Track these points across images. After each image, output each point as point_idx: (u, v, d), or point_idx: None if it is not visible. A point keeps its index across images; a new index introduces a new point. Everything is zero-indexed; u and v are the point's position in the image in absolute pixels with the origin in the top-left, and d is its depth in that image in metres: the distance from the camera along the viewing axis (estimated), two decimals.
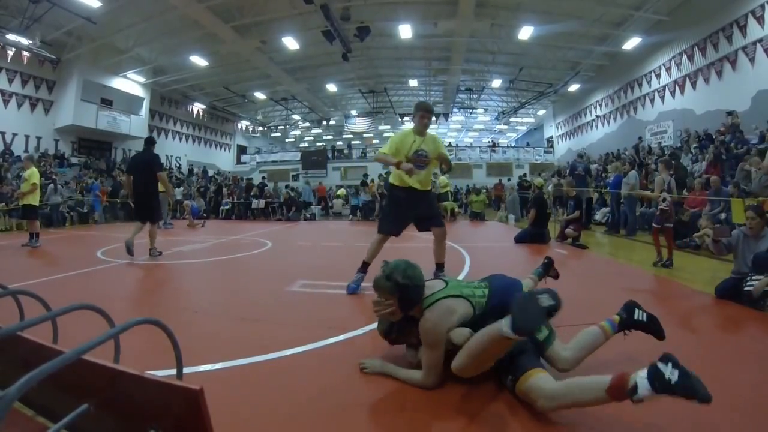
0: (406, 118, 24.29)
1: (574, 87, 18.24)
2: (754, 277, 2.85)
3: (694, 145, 10.72)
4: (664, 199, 4.70)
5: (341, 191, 16.84)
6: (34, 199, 6.79)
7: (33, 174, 6.71)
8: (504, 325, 1.41)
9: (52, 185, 11.24)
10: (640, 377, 1.23)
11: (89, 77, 14.67)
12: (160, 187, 5.68)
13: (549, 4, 12.05)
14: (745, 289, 2.85)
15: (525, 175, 18.62)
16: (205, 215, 13.80)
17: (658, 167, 6.24)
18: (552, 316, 1.45)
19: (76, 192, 12.72)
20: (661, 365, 1.21)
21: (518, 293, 1.40)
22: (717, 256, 4.17)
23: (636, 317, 1.90)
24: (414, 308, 1.78)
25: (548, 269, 2.78)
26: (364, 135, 28.24)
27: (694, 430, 1.42)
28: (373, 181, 13.70)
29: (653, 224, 4.80)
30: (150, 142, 5.72)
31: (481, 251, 5.52)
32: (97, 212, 12.64)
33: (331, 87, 19.95)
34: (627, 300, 1.98)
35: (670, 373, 1.19)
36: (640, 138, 14.01)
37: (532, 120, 26.28)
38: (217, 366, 1.92)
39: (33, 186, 6.66)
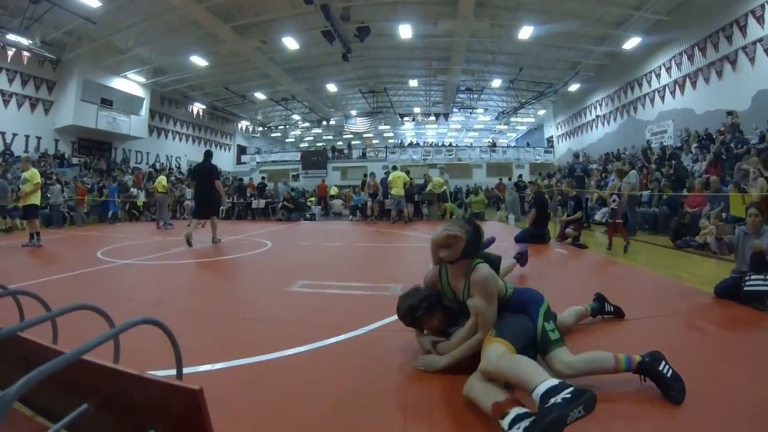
0: (406, 118, 24.31)
1: (574, 87, 18.24)
2: (753, 277, 2.84)
3: (695, 145, 10.72)
4: (614, 200, 5.80)
5: (333, 190, 16.79)
6: (36, 199, 6.90)
7: (35, 175, 6.84)
8: (535, 393, 1.34)
9: (58, 186, 11.28)
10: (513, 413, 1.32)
11: (89, 77, 14.67)
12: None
13: (549, 4, 12.05)
14: (745, 288, 2.84)
15: (521, 175, 18.66)
16: None
17: (613, 174, 7.17)
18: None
19: (76, 192, 12.72)
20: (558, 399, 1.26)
21: (556, 407, 1.26)
22: (718, 256, 4.16)
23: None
24: (468, 257, 1.92)
25: (602, 306, 2.61)
26: (364, 135, 28.25)
27: (693, 430, 1.42)
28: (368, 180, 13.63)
29: (608, 220, 6.06)
30: (209, 155, 7.08)
31: None
32: (112, 211, 13.00)
33: (331, 87, 19.95)
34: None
35: (561, 396, 1.26)
36: (648, 141, 13.78)
37: (532, 120, 26.28)
38: (217, 366, 1.92)
39: (36, 186, 6.79)
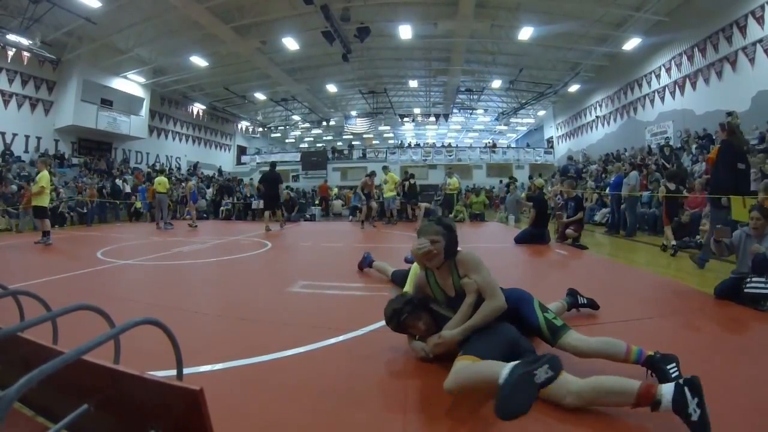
0: (406, 119, 24.32)
1: (574, 88, 18.25)
2: (754, 279, 2.83)
3: (694, 145, 10.72)
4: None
5: (335, 190, 16.76)
6: (44, 201, 7.02)
7: (43, 177, 6.93)
8: (502, 376, 1.38)
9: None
10: (666, 398, 1.31)
11: (89, 77, 14.67)
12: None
13: (549, 5, 12.06)
14: (746, 290, 2.83)
15: (512, 178, 18.80)
16: (205, 215, 13.82)
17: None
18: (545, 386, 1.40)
19: (76, 192, 12.71)
20: (688, 395, 1.28)
21: (517, 369, 1.34)
22: (718, 257, 4.16)
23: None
24: (450, 257, 2.01)
25: (576, 299, 2.70)
26: (364, 136, 28.24)
27: None
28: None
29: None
30: (274, 165, 10.10)
31: (481, 252, 5.53)
32: (145, 211, 13.84)
33: (331, 88, 19.96)
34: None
35: (693, 408, 1.27)
36: (666, 139, 13.14)
37: (532, 121, 26.29)
38: (217, 366, 1.91)
39: (41, 188, 6.88)
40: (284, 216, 13.17)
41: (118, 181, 14.26)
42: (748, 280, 2.85)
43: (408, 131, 30.61)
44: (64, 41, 13.46)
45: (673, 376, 1.61)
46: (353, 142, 27.64)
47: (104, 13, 11.53)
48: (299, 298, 3.29)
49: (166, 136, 20.62)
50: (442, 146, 24.47)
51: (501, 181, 19.16)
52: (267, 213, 9.45)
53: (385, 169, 11.87)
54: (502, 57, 16.42)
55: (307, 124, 26.48)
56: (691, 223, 6.58)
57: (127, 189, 14.44)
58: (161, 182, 10.57)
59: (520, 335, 1.81)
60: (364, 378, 1.83)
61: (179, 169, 20.88)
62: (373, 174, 11.48)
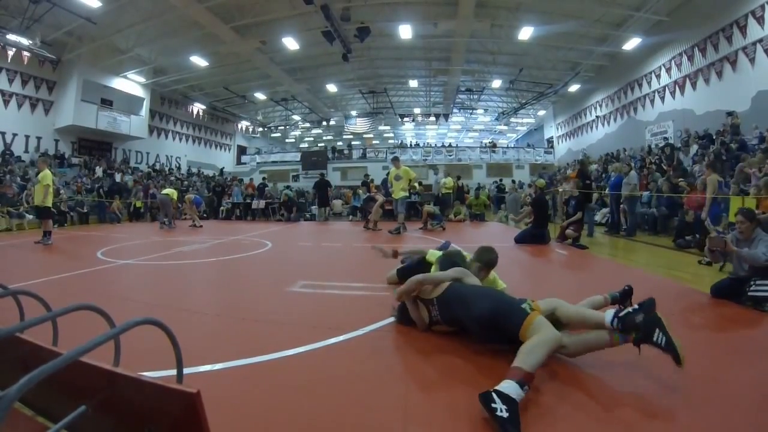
0: (406, 119, 24.30)
1: (574, 87, 18.25)
2: (758, 282, 2.82)
3: (694, 145, 10.72)
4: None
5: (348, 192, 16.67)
6: (47, 200, 6.96)
7: (46, 176, 6.91)
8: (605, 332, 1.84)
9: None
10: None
11: (89, 77, 14.67)
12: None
13: (549, 5, 12.05)
14: (750, 293, 2.83)
15: (501, 179, 18.85)
16: (205, 215, 13.79)
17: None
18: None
19: (76, 192, 12.71)
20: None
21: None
22: (713, 263, 4.17)
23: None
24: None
25: (627, 298, 2.48)
26: (365, 135, 28.23)
27: (693, 430, 1.42)
28: (372, 181, 13.66)
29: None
30: (323, 174, 13.51)
31: None
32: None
33: (332, 87, 19.95)
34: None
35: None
36: (682, 137, 12.27)
37: (532, 120, 26.28)
38: (217, 366, 1.92)
39: (45, 188, 6.84)
40: (288, 217, 13.31)
41: (117, 176, 14.26)
42: (752, 282, 2.85)
43: (408, 131, 30.60)
44: (64, 41, 13.45)
45: (663, 344, 1.69)
46: (353, 142, 27.62)
47: (104, 13, 11.52)
48: (299, 298, 3.29)
49: (166, 136, 20.61)
50: (442, 146, 24.46)
51: (494, 182, 19.23)
52: (320, 209, 12.78)
53: (395, 160, 9.37)
54: (502, 57, 16.41)
55: (307, 124, 26.46)
56: (694, 223, 6.57)
57: (117, 179, 14.39)
58: (170, 192, 10.92)
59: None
60: (364, 378, 1.83)
61: (179, 168, 20.88)
62: (396, 159, 9.50)
